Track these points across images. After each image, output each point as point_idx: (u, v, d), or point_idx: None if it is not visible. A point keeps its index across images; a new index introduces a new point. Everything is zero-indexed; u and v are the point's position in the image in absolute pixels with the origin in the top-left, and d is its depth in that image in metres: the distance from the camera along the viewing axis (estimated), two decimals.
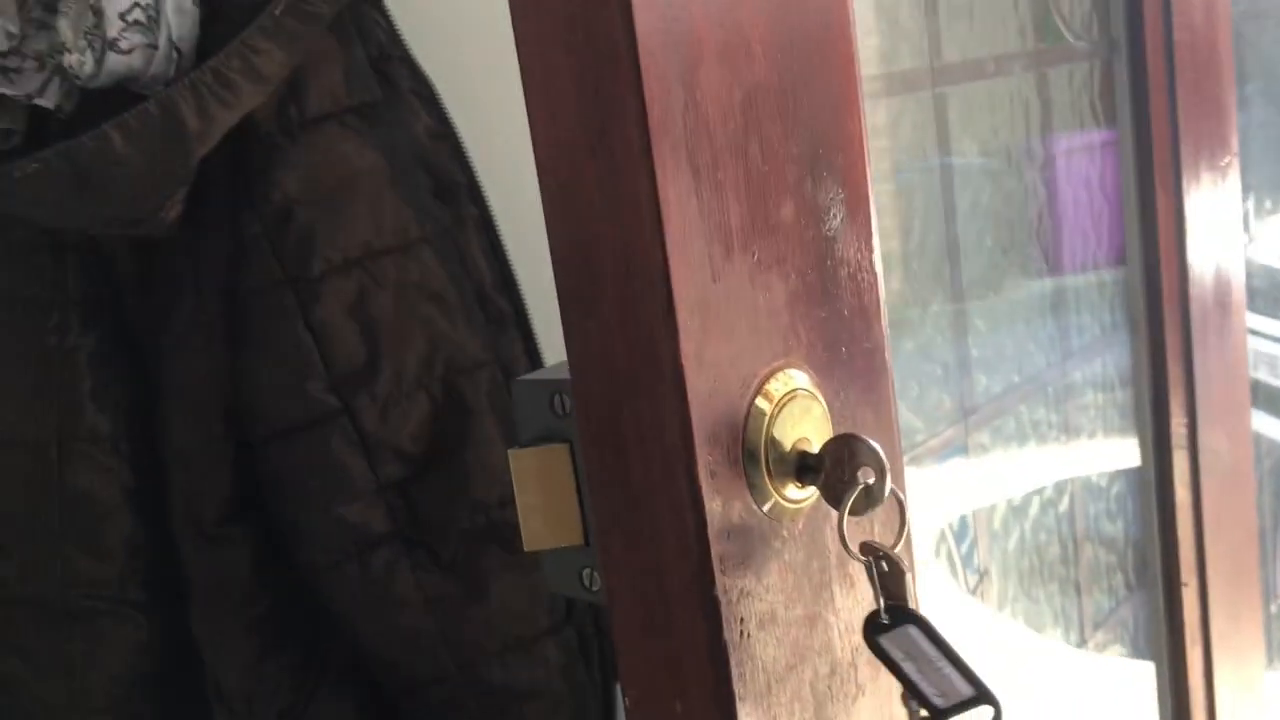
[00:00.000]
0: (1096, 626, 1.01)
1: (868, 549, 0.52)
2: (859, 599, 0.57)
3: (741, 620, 0.51)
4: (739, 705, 0.51)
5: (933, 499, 0.90)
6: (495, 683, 0.91)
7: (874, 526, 0.57)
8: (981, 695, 0.50)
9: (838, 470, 0.51)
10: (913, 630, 0.51)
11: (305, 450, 0.88)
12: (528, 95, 0.49)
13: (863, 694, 0.58)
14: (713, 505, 0.49)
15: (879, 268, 0.59)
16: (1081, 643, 1.00)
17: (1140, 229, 0.98)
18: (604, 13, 0.45)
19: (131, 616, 0.92)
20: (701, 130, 0.48)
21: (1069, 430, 0.98)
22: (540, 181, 0.50)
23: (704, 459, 0.49)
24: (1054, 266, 0.94)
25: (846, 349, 0.57)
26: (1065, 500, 0.96)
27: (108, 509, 0.91)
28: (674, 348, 0.47)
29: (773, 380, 0.52)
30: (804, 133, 0.53)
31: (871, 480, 0.50)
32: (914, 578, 0.62)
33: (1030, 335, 0.92)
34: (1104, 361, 0.99)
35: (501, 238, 0.97)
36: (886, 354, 0.59)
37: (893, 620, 0.51)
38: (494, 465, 0.90)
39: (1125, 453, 1.02)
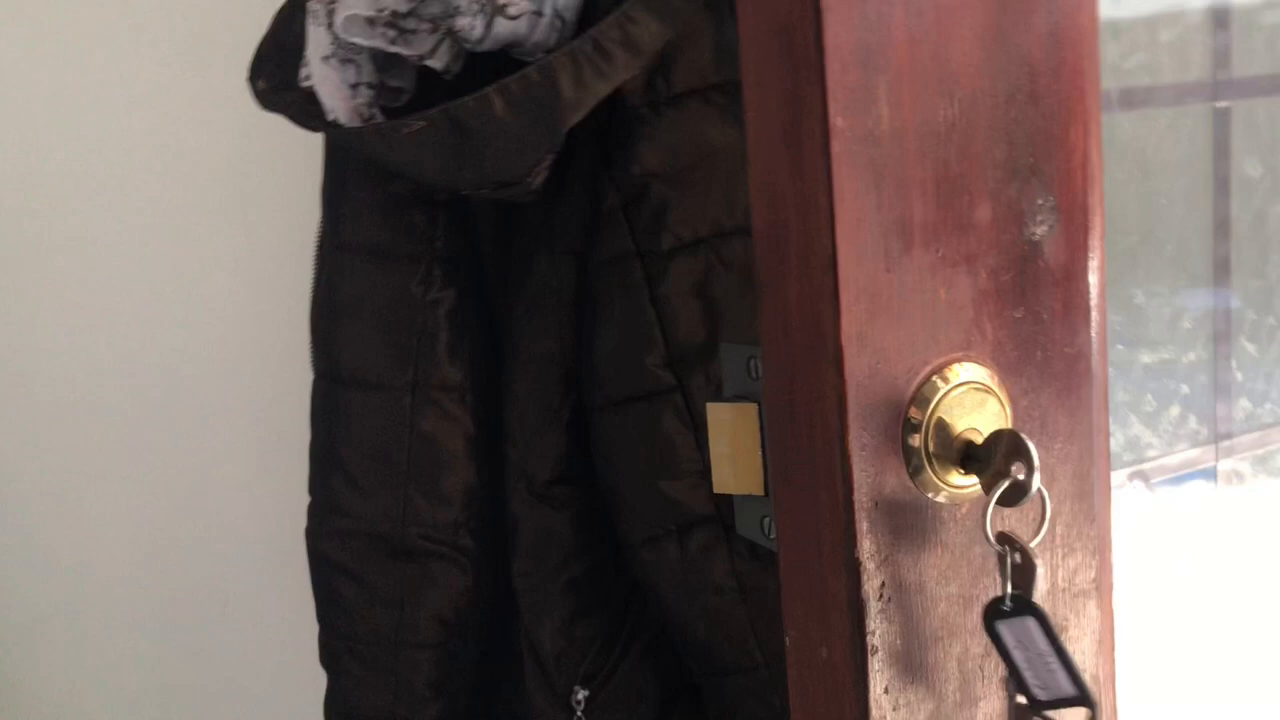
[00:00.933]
0: None
1: (1004, 539, 0.54)
2: None
3: (883, 585, 0.55)
4: (872, 659, 0.55)
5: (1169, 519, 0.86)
6: None
7: (1050, 528, 0.59)
8: (1082, 696, 0.52)
9: (991, 464, 0.54)
10: (1030, 623, 0.53)
11: (636, 422, 0.89)
12: (745, 87, 0.55)
13: None
14: (862, 476, 0.54)
15: (1094, 277, 0.60)
16: None
17: None
18: (803, 25, 0.51)
19: (460, 562, 0.99)
20: (886, 132, 0.52)
21: None
22: (749, 167, 0.56)
23: (856, 433, 0.53)
24: None
25: (1043, 351, 0.59)
26: None
27: (451, 457, 0.97)
28: (835, 328, 0.52)
29: (948, 370, 0.56)
30: (1013, 141, 0.56)
31: (1022, 476, 0.53)
32: (1108, 592, 0.63)
33: None
34: None
35: None
36: (1094, 362, 0.60)
37: (1014, 609, 0.54)
38: None
39: None
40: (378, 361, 0.99)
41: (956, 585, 0.58)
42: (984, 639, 0.59)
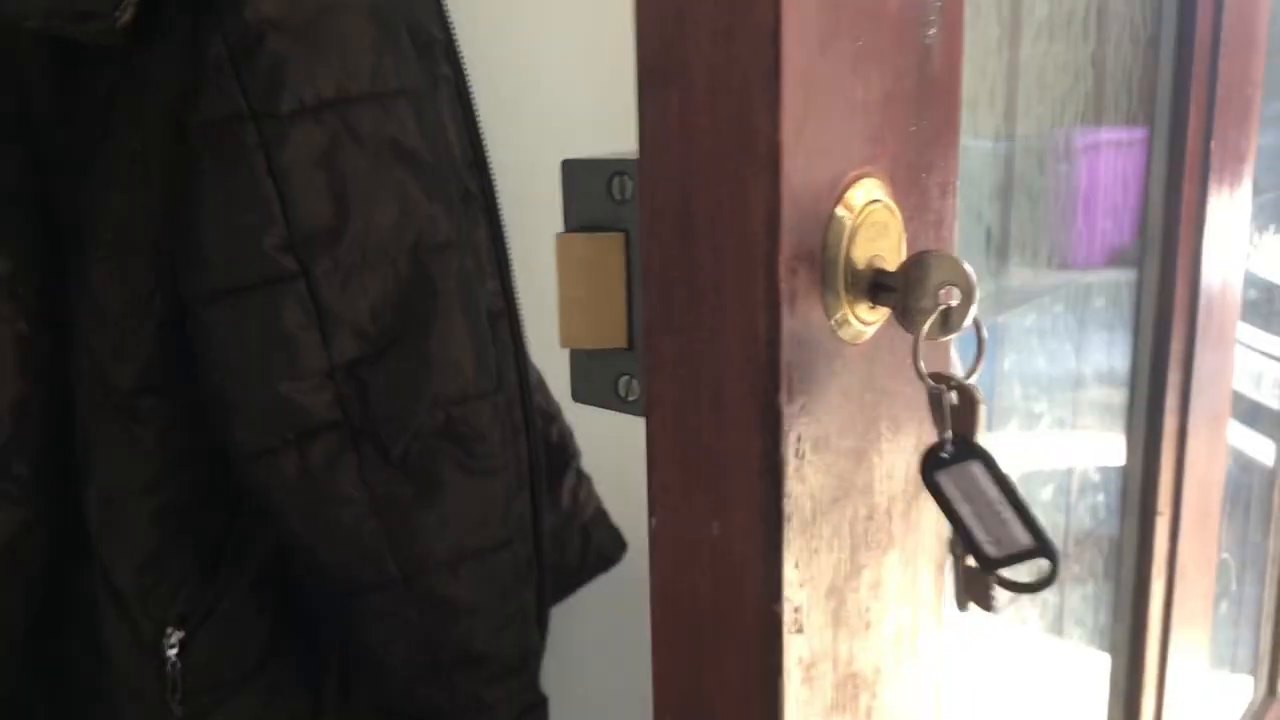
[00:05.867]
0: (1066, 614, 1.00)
1: (939, 377, 0.48)
2: (902, 446, 0.54)
3: (799, 439, 0.47)
4: (786, 527, 0.47)
5: None
6: (443, 594, 0.84)
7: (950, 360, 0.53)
8: (1041, 546, 0.47)
9: (915, 291, 0.47)
10: (976, 468, 0.47)
11: (251, 315, 0.78)
12: None
13: (893, 546, 0.54)
14: (788, 307, 0.45)
15: (961, 99, 0.54)
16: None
17: (1163, 231, 0.96)
18: None
19: (13, 495, 0.81)
20: None
21: (1063, 423, 0.96)
22: None
23: (787, 254, 0.44)
24: (1062, 259, 0.91)
25: (926, 175, 0.52)
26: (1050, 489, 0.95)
27: None
28: (774, 118, 0.42)
29: (856, 187, 0.48)
30: None
31: (955, 302, 0.46)
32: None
33: (1030, 325, 0.89)
34: (1107, 358, 0.97)
35: (475, 110, 0.89)
36: (953, 199, 0.55)
37: (956, 455, 0.47)
38: (457, 358, 0.82)
39: (1112, 449, 1.01)
40: None
41: (852, 438, 0.50)
42: (869, 500, 0.52)
